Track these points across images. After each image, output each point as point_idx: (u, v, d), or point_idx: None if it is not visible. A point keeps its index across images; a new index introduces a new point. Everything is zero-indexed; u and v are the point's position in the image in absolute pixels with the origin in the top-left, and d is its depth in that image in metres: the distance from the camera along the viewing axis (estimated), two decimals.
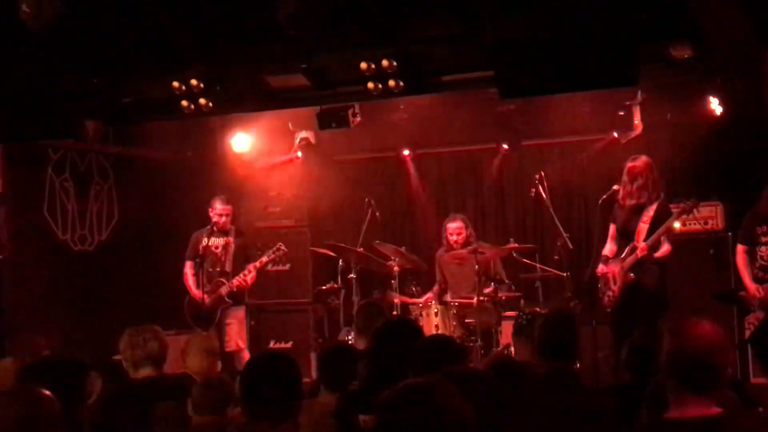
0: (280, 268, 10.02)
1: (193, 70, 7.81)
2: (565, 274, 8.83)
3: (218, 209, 8.81)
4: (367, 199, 9.69)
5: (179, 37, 7.47)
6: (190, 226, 9.23)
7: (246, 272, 8.69)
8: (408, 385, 2.45)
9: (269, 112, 9.16)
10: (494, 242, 9.59)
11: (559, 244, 8.94)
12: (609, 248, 8.04)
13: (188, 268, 8.86)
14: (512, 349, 6.75)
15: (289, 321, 10.16)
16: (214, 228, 8.79)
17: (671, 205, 8.03)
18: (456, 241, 9.24)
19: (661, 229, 7.68)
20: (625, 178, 7.91)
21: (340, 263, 9.34)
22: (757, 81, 6.86)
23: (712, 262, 8.87)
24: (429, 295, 9.26)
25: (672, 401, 2.99)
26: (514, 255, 9.32)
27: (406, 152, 10.56)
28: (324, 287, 9.68)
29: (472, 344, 8.47)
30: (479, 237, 9.55)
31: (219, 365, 5.91)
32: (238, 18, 7.21)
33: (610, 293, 7.87)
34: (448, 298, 9.09)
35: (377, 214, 9.65)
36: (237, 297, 8.79)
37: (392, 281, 9.05)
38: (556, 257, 9.02)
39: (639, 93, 8.94)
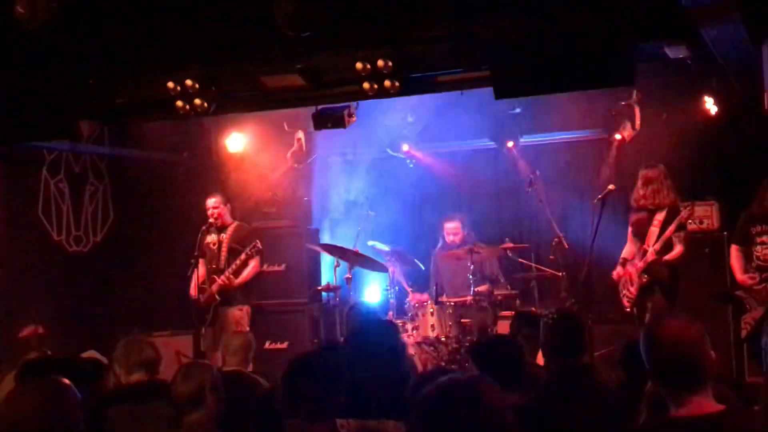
0: (276, 268, 10.01)
1: (189, 70, 7.78)
2: (560, 274, 8.85)
3: (207, 203, 8.86)
4: (363, 198, 9.69)
5: (175, 38, 7.45)
6: (185, 227, 9.22)
7: (230, 269, 8.65)
8: (452, 381, 2.45)
9: (265, 113, 9.15)
10: (490, 242, 9.60)
11: (554, 243, 8.96)
12: (627, 250, 8.18)
13: (200, 265, 8.83)
14: None
15: (285, 321, 10.13)
16: (211, 225, 8.81)
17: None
18: (453, 241, 9.30)
19: (665, 234, 7.80)
20: (639, 183, 8.10)
21: (336, 263, 9.34)
22: (753, 81, 6.86)
23: (707, 261, 8.89)
24: (425, 294, 9.26)
25: (671, 401, 2.99)
26: (510, 254, 9.33)
27: (403, 151, 10.55)
28: (320, 288, 9.67)
29: (468, 344, 8.49)
30: (476, 237, 9.56)
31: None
32: (233, 18, 7.20)
33: (629, 294, 8.00)
34: (444, 297, 9.09)
35: (373, 213, 9.65)
36: (231, 296, 8.73)
37: (388, 281, 9.06)
38: (551, 257, 9.03)
39: (635, 93, 8.96)
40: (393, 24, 7.17)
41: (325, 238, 10.35)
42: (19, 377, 4.53)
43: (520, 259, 9.42)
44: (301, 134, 10.11)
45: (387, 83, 7.32)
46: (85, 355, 5.96)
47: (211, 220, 8.79)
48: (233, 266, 8.68)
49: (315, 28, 6.52)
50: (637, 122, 9.16)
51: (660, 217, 7.93)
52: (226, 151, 10.30)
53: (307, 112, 8.80)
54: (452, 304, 8.77)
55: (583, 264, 8.22)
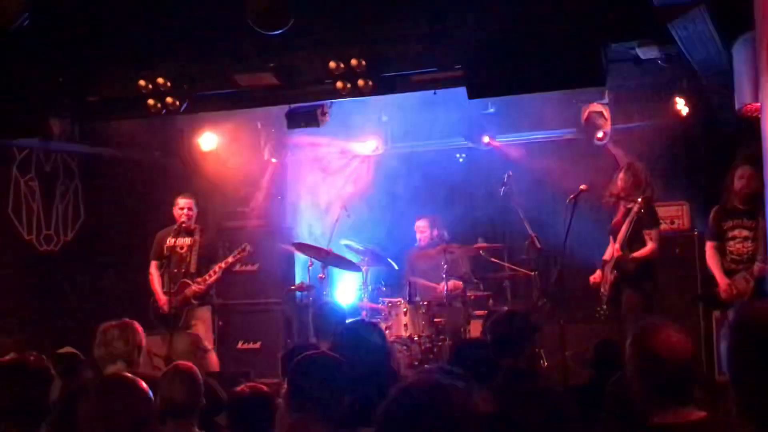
0: (249, 267, 9.95)
1: (161, 68, 7.75)
2: (533, 273, 8.88)
3: (180, 203, 8.52)
4: (337, 198, 9.69)
5: (147, 36, 7.42)
6: (157, 226, 9.12)
7: (211, 273, 8.37)
8: (416, 382, 2.43)
9: (238, 111, 9.11)
10: (463, 241, 9.62)
11: (527, 243, 8.98)
12: (608, 252, 8.14)
13: (153, 269, 8.57)
14: None
15: (258, 321, 10.09)
16: (181, 227, 8.54)
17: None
18: (420, 239, 9.34)
19: (622, 230, 7.83)
20: (618, 183, 8.09)
21: (310, 263, 9.31)
22: (723, 81, 6.92)
23: (678, 260, 8.95)
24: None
25: (653, 408, 2.97)
26: (483, 254, 9.35)
27: (374, 151, 10.55)
28: (293, 287, 9.64)
29: (441, 343, 8.50)
30: (450, 237, 9.58)
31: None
32: (206, 16, 7.17)
33: (604, 293, 8.04)
34: (417, 297, 9.10)
35: (347, 212, 9.65)
36: (203, 297, 8.59)
37: (361, 280, 9.06)
38: (524, 256, 9.06)
39: (606, 93, 9.01)
40: (366, 23, 7.17)
41: (300, 237, 10.31)
42: None
43: (493, 259, 9.44)
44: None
45: (360, 82, 7.32)
46: (62, 350, 5.94)
47: (183, 220, 8.46)
48: (216, 269, 8.36)
49: (286, 26, 6.51)
50: (609, 123, 9.21)
51: (632, 215, 7.94)
52: (198, 150, 10.24)
53: (280, 111, 8.79)
54: (425, 303, 8.77)
55: (556, 263, 8.26)
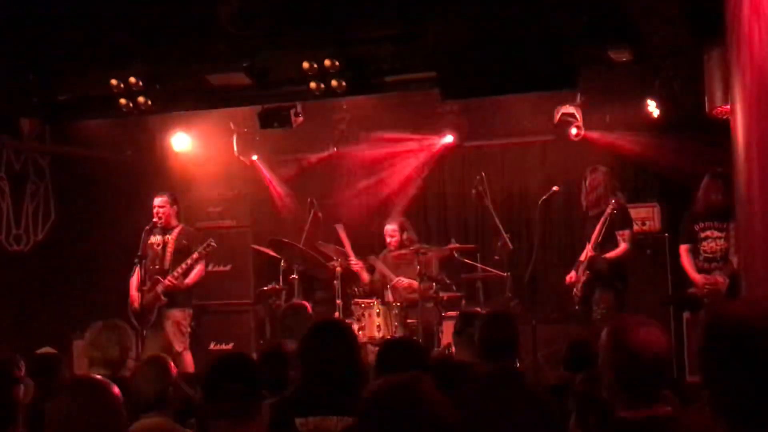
0: (221, 268, 9.92)
1: (133, 68, 7.70)
2: (505, 274, 8.91)
3: (155, 202, 8.59)
4: (309, 200, 9.66)
5: (118, 35, 7.37)
6: (128, 227, 9.07)
7: (179, 269, 8.40)
8: (391, 381, 2.43)
9: (210, 111, 9.07)
10: (435, 242, 9.63)
11: (499, 244, 9.01)
12: (583, 253, 8.19)
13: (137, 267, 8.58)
14: (453, 348, 6.78)
15: (230, 322, 10.05)
16: (155, 225, 8.57)
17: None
18: (390, 243, 9.32)
19: (595, 231, 7.89)
20: (586, 188, 8.20)
21: (282, 264, 9.28)
22: (695, 83, 6.97)
23: (649, 262, 9.01)
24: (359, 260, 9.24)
25: (623, 403, 2.99)
26: (456, 255, 9.36)
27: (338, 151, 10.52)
28: (266, 288, 9.60)
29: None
30: (422, 238, 9.59)
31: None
32: (178, 16, 7.14)
33: (577, 293, 8.09)
34: (389, 298, 9.10)
35: (320, 214, 9.62)
36: (175, 298, 8.57)
37: (334, 282, 9.04)
38: (496, 257, 9.09)
39: (578, 95, 9.05)
40: (340, 24, 7.17)
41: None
42: None
43: (465, 260, 9.46)
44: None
45: (334, 83, 7.32)
46: (41, 351, 5.89)
47: (155, 219, 8.49)
48: (183, 266, 8.40)
49: (258, 26, 6.50)
50: (581, 125, 9.26)
51: (604, 217, 8.02)
52: (171, 150, 10.19)
53: (253, 111, 8.76)
54: (398, 304, 8.77)
55: (528, 264, 8.29)
